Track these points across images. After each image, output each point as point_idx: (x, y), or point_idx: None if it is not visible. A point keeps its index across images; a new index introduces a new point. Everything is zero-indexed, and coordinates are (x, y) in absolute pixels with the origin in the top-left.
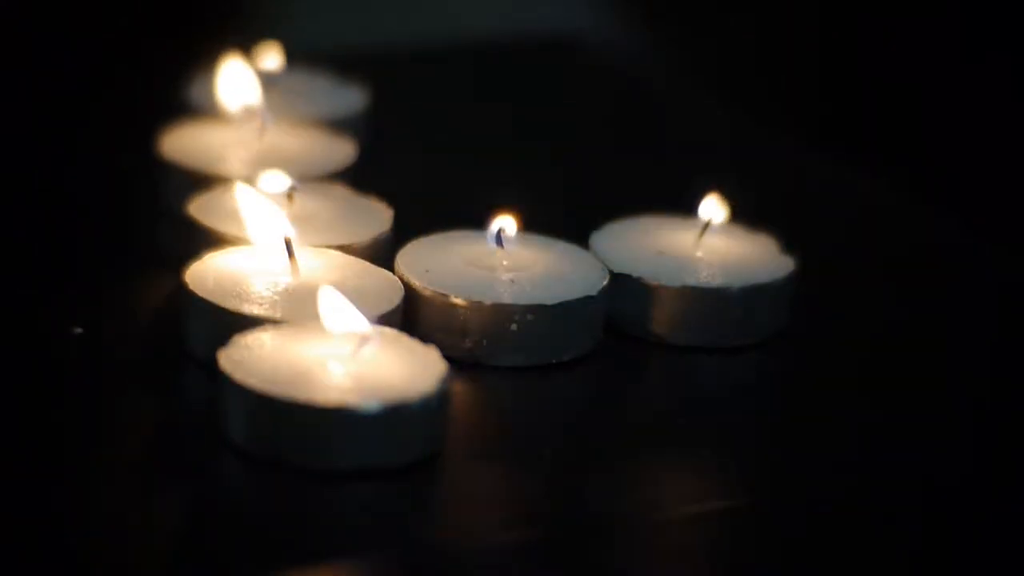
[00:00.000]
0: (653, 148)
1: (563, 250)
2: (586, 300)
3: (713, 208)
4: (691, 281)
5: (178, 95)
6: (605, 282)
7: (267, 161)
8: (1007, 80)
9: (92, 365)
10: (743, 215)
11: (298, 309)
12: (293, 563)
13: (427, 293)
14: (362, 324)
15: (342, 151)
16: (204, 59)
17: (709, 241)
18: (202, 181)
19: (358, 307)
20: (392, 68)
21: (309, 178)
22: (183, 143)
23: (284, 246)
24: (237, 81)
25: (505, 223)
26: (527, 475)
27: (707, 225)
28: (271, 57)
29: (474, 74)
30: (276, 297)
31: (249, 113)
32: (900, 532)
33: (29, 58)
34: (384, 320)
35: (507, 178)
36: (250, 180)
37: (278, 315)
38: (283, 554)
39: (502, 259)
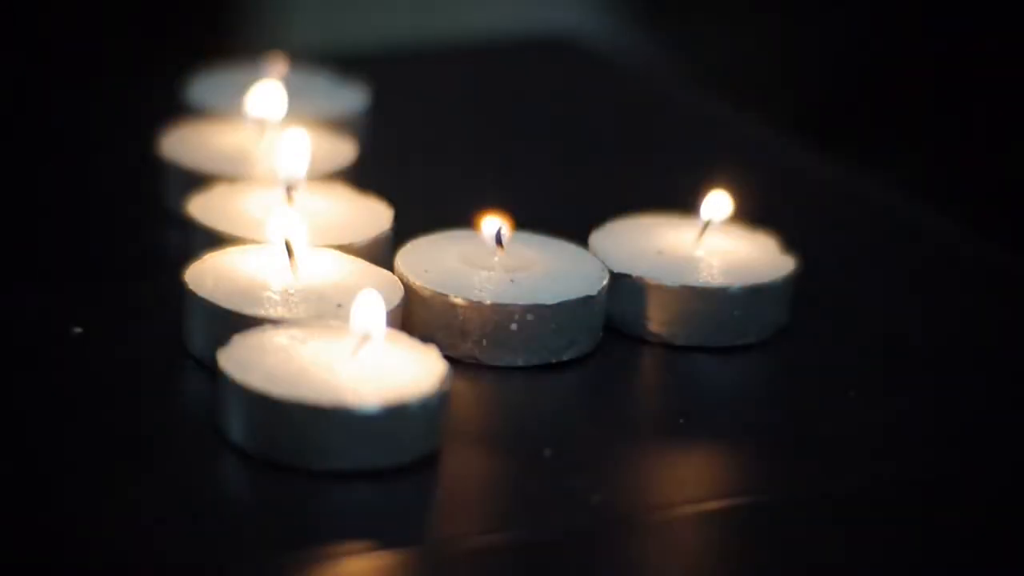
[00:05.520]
0: (653, 147)
1: (563, 250)
2: (586, 300)
3: (716, 205)
4: (691, 281)
5: (178, 95)
6: (605, 282)
7: (267, 162)
8: (1009, 80)
9: (92, 365)
10: (743, 215)
11: (298, 309)
12: (293, 563)
13: (427, 293)
14: (376, 329)
15: (342, 151)
16: (204, 59)
17: (709, 241)
18: (202, 181)
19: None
20: (392, 68)
21: (309, 178)
22: (183, 143)
23: (284, 246)
24: (268, 96)
25: (496, 224)
26: (527, 475)
27: (707, 224)
28: (274, 58)
29: (474, 74)
30: (276, 297)
31: (259, 119)
32: (901, 532)
33: (29, 57)
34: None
35: (507, 178)
36: (249, 180)
37: (278, 315)
38: (283, 554)
39: (502, 259)
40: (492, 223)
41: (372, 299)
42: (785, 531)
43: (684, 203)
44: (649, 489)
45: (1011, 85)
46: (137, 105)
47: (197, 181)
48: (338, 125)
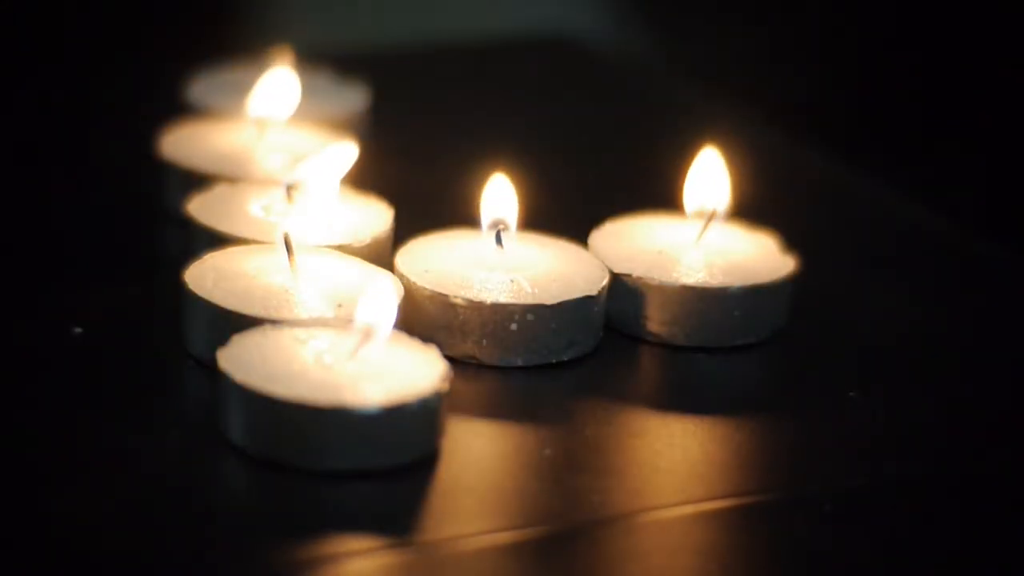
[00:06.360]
0: (653, 147)
1: (563, 250)
2: (586, 300)
3: (712, 198)
4: (691, 281)
5: (178, 95)
6: (605, 282)
7: (268, 161)
8: (1008, 79)
9: (92, 365)
10: (743, 215)
11: (298, 309)
12: (293, 563)
13: (427, 293)
14: (382, 327)
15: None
16: (204, 59)
17: (709, 240)
18: (202, 181)
19: (370, 311)
20: (392, 68)
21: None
22: (183, 143)
23: (284, 245)
24: (278, 90)
25: (501, 211)
26: (527, 475)
27: (709, 221)
28: (279, 54)
29: (474, 74)
30: (276, 297)
31: (261, 117)
32: (901, 531)
33: (29, 58)
34: None
35: (507, 177)
36: (249, 180)
37: (278, 315)
38: (283, 554)
39: (502, 259)
40: (494, 213)
41: (384, 290)
42: (785, 531)
43: (684, 202)
44: (649, 489)
45: (1014, 84)
46: (137, 105)
47: (197, 181)
48: (338, 125)
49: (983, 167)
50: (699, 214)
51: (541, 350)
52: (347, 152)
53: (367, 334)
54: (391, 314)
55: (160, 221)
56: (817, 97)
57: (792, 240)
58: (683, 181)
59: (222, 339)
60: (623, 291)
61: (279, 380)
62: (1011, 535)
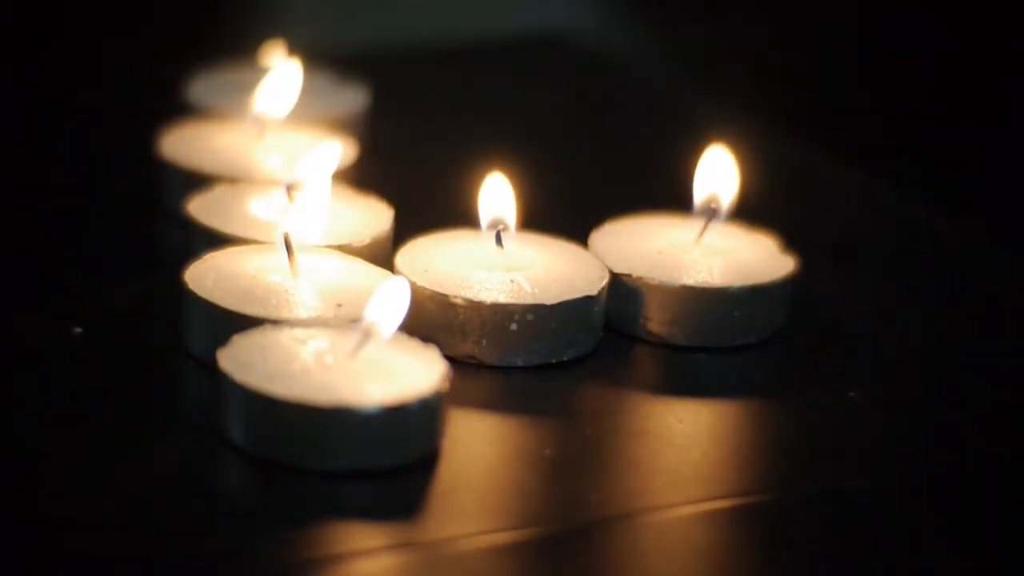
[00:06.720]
0: (653, 147)
1: (563, 250)
2: (586, 300)
3: (717, 198)
4: (691, 281)
5: (178, 95)
6: (605, 282)
7: (268, 161)
8: (1009, 78)
9: (92, 365)
10: (743, 215)
11: (298, 309)
12: (293, 563)
13: (427, 293)
14: (386, 328)
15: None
16: (204, 59)
17: (709, 240)
18: (202, 181)
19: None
20: (392, 68)
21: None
22: (183, 143)
23: (284, 245)
24: (279, 88)
25: (498, 211)
26: (527, 475)
27: (708, 222)
28: (274, 56)
29: (474, 74)
30: (276, 297)
31: (261, 117)
32: (901, 532)
33: (29, 57)
34: None
35: (507, 177)
36: (249, 180)
37: (278, 315)
38: (283, 554)
39: (502, 259)
40: (492, 214)
41: (397, 291)
42: (785, 531)
43: (684, 203)
44: (649, 489)
45: (1014, 83)
46: (137, 105)
47: (197, 181)
48: (338, 125)
49: (983, 167)
50: (706, 203)
51: (541, 350)
52: (335, 151)
53: (367, 334)
54: (400, 315)
55: (160, 221)
56: (817, 97)
57: (792, 240)
58: (682, 181)
59: (222, 339)
60: (623, 291)
61: (279, 380)
62: (1011, 535)
